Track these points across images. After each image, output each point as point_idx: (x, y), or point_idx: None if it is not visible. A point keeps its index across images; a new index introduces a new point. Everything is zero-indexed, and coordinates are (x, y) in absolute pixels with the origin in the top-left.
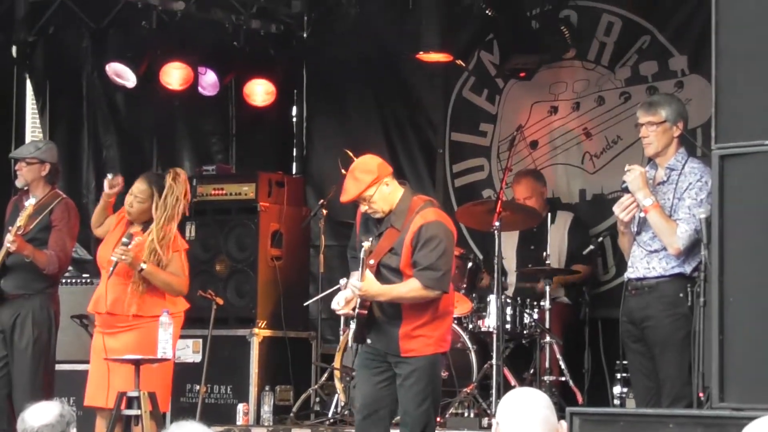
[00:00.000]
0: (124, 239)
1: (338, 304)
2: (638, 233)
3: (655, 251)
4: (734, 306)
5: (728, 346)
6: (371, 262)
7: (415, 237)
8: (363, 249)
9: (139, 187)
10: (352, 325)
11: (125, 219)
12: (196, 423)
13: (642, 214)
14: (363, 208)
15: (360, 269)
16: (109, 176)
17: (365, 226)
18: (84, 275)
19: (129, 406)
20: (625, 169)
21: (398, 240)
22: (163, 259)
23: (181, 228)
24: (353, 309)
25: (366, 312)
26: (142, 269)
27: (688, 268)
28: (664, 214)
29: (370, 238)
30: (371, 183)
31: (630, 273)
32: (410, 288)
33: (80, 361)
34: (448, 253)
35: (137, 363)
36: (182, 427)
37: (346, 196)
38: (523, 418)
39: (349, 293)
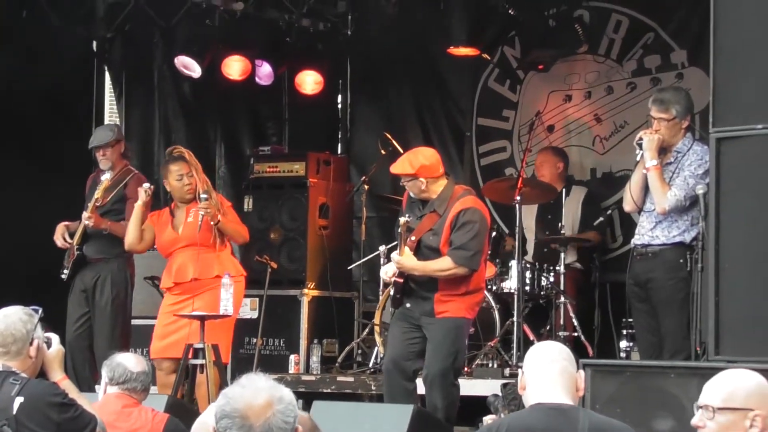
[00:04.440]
0: (202, 195)
1: (386, 274)
2: (645, 203)
3: (659, 222)
4: (728, 271)
5: (722, 306)
6: (412, 238)
7: (454, 220)
8: (399, 224)
9: (179, 168)
10: (392, 291)
11: (158, 214)
12: (264, 376)
13: (644, 172)
14: (407, 186)
15: (399, 243)
16: (146, 185)
17: (410, 207)
18: None
19: (195, 356)
20: (644, 132)
21: (438, 222)
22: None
23: (240, 201)
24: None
25: (402, 280)
26: (219, 221)
27: (688, 237)
28: (661, 178)
29: (408, 215)
30: (419, 173)
31: (636, 240)
32: (442, 265)
33: (152, 317)
34: (481, 235)
35: (202, 318)
36: (251, 379)
37: (396, 169)
38: (545, 368)
39: (391, 270)
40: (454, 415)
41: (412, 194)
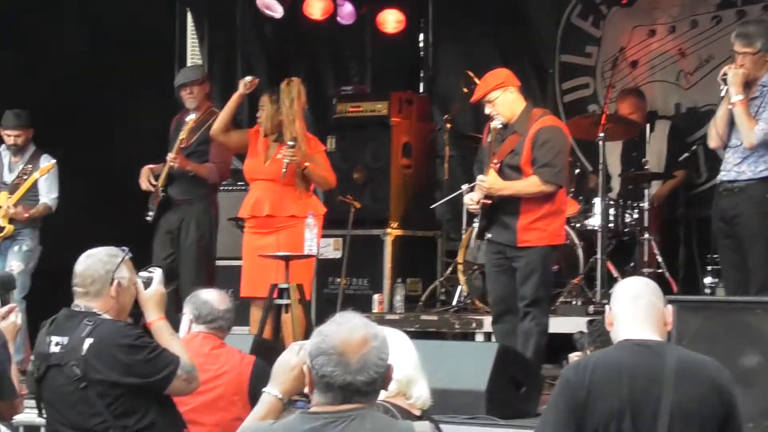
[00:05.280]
0: (289, 142)
1: (470, 200)
2: (730, 139)
3: (746, 158)
4: None
5: None
6: (495, 161)
7: (534, 138)
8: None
9: (262, 99)
10: (476, 223)
11: (260, 134)
12: (357, 314)
13: (730, 107)
14: (488, 110)
15: (485, 169)
16: (248, 78)
17: (488, 146)
18: (239, 182)
19: (280, 296)
20: (728, 67)
21: (519, 142)
22: (306, 151)
23: (323, 141)
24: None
25: (490, 201)
26: (306, 167)
27: None
28: (747, 112)
29: (498, 123)
30: (497, 86)
31: (723, 176)
32: (530, 182)
33: (237, 258)
34: (563, 152)
35: (287, 259)
36: (346, 317)
37: (475, 96)
38: (633, 304)
39: (477, 194)
40: (544, 345)
41: (498, 118)
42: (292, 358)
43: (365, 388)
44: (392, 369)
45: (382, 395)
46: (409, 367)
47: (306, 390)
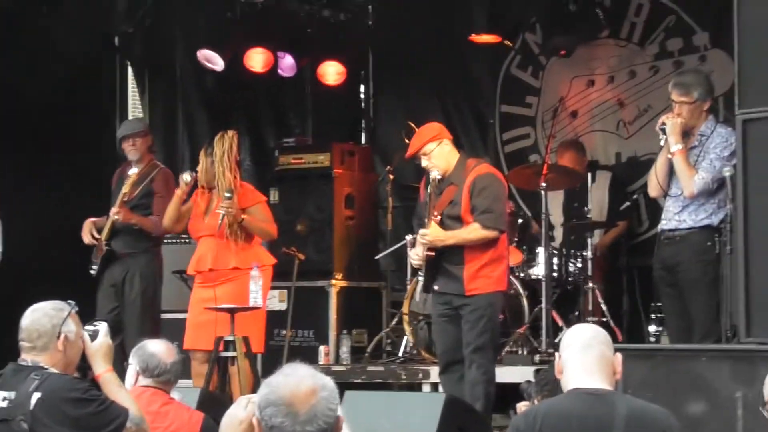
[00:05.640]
0: (226, 194)
1: (416, 255)
2: (670, 188)
3: (686, 206)
4: (757, 253)
5: (753, 288)
6: (435, 214)
7: (471, 186)
8: (419, 206)
9: (206, 155)
10: (420, 278)
11: (201, 194)
12: (304, 365)
13: (670, 156)
14: (424, 163)
15: (426, 224)
16: (186, 176)
17: (428, 192)
18: (182, 236)
19: (226, 348)
20: (666, 116)
21: (457, 192)
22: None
23: (265, 193)
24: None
25: (434, 254)
26: (242, 219)
27: (715, 220)
28: (687, 161)
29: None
30: (432, 137)
31: (664, 225)
32: (471, 229)
33: (181, 311)
34: (501, 197)
35: (232, 311)
36: (294, 368)
37: (410, 150)
38: (582, 352)
39: (420, 249)
40: (493, 393)
41: (434, 171)
42: (240, 411)
43: None
44: (342, 420)
45: None
46: None
47: None
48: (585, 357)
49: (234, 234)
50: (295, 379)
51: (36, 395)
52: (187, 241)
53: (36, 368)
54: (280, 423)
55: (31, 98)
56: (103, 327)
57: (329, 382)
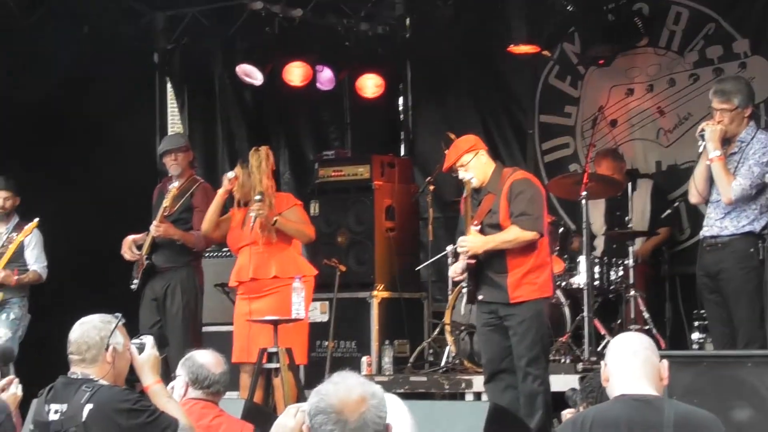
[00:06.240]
0: (256, 197)
1: (454, 272)
2: (711, 195)
3: (727, 213)
4: None
5: None
6: (475, 223)
7: (509, 193)
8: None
9: (235, 169)
10: (464, 288)
11: (238, 210)
12: (353, 373)
13: (708, 163)
14: (461, 174)
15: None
16: (230, 174)
17: (465, 212)
18: (224, 249)
19: (269, 360)
20: (705, 123)
21: (495, 201)
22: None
23: (306, 206)
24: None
25: (475, 262)
26: (275, 221)
27: (757, 226)
28: (725, 168)
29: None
30: (468, 149)
31: (705, 231)
32: (509, 232)
33: (223, 323)
34: (538, 200)
35: (275, 323)
36: (343, 376)
37: (447, 163)
38: (629, 359)
39: (460, 265)
40: (551, 403)
41: (472, 181)
42: (290, 420)
43: None
44: (391, 428)
45: None
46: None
47: None
48: (632, 363)
49: (268, 236)
50: (345, 388)
51: (88, 407)
52: (228, 254)
53: (86, 380)
54: (330, 431)
55: (75, 116)
56: (149, 340)
57: (378, 390)
